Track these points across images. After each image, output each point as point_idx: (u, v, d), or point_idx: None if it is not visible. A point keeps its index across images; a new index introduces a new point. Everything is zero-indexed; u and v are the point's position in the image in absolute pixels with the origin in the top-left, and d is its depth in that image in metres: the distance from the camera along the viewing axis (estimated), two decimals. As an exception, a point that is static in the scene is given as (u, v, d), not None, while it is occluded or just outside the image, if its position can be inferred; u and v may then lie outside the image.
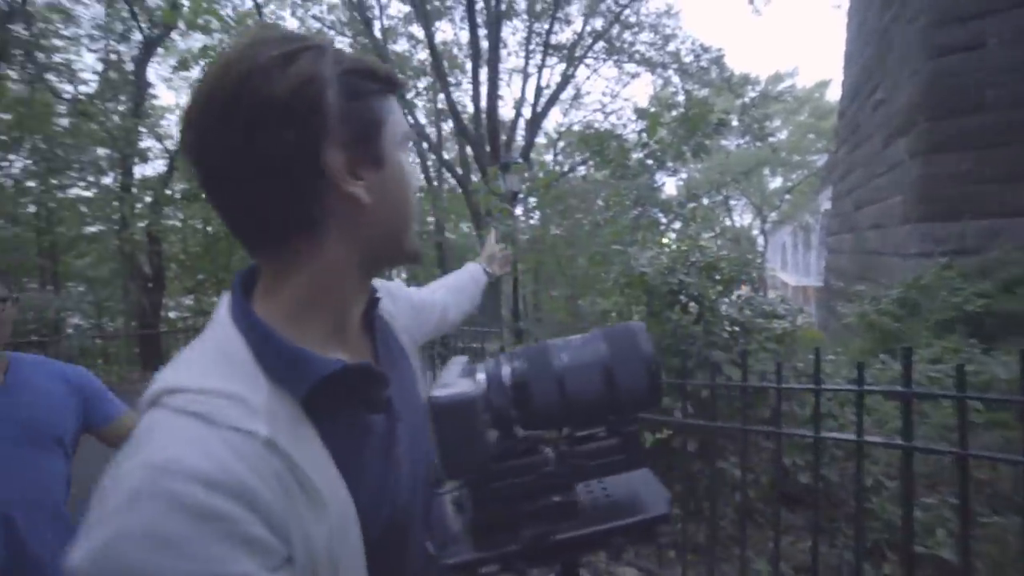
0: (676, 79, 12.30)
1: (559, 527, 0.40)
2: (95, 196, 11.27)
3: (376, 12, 11.63)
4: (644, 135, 3.98)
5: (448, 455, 0.38)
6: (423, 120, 14.61)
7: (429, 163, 14.71)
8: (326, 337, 0.51)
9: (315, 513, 0.42)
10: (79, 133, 10.71)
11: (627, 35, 12.05)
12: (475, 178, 11.73)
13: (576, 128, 13.82)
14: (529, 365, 0.41)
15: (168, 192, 11.26)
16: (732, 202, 22.62)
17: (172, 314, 13.80)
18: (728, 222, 22.00)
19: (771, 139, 13.20)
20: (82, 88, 10.64)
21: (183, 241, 12.14)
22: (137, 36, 10.36)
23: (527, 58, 11.98)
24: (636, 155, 4.56)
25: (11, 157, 11.39)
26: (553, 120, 16.38)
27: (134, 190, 11.20)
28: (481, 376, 0.42)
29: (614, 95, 13.79)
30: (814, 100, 23.51)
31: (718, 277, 2.95)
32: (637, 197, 4.29)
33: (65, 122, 11.66)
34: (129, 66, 10.65)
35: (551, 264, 5.81)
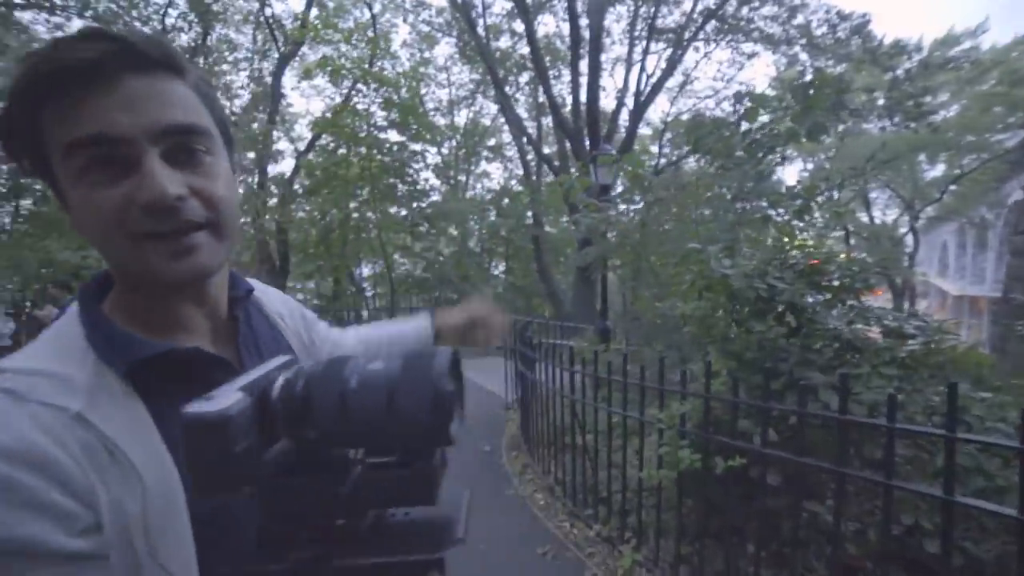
0: (804, 56, 10.86)
1: (334, 552, 0.39)
2: (242, 193, 13.10)
3: (480, 11, 11.86)
4: (745, 121, 3.49)
5: (193, 473, 0.36)
6: (524, 114, 14.69)
7: (529, 157, 14.78)
8: (164, 329, 0.54)
9: (128, 483, 0.44)
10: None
11: (744, 10, 10.87)
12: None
13: (684, 117, 12.92)
14: (321, 375, 0.39)
15: (295, 188, 12.69)
16: (873, 195, 19.28)
17: (299, 296, 15.61)
18: (865, 218, 18.97)
19: (932, 118, 10.77)
20: (236, 102, 12.43)
21: (304, 231, 13.54)
22: (274, 53, 11.77)
23: (631, 45, 11.41)
24: (745, 142, 4.04)
25: None
26: (660, 109, 15.49)
27: (272, 187, 12.81)
28: (280, 382, 0.39)
29: (728, 79, 12.64)
30: (1009, 63, 17.54)
31: (831, 282, 2.47)
32: (739, 189, 3.79)
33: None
34: (268, 79, 12.13)
35: (641, 261, 5.45)
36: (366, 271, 16.06)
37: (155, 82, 0.47)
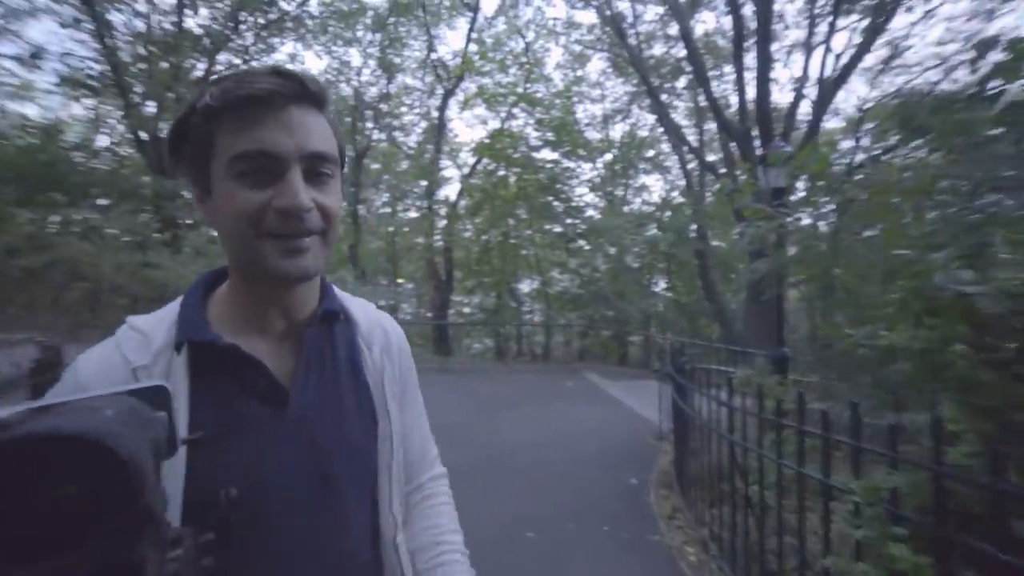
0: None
1: None
2: (414, 217, 14.78)
3: (631, 21, 11.39)
4: (999, 81, 2.45)
5: None
6: (684, 121, 13.63)
7: (691, 166, 13.62)
8: (244, 322, 0.63)
9: None
10: (408, 173, 14.40)
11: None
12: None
13: (892, 101, 10.45)
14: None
15: (459, 209, 13.81)
16: None
17: (466, 309, 16.81)
18: None
19: None
20: (412, 138, 14.22)
21: (467, 249, 14.55)
22: (439, 90, 13.12)
23: (811, 26, 9.67)
24: (996, 112, 2.87)
25: (372, 195, 16.26)
26: (854, 95, 12.87)
27: (439, 210, 14.16)
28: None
29: (968, 37, 9.75)
30: None
31: None
32: (979, 180, 2.71)
33: (404, 164, 15.70)
34: (435, 114, 13.54)
35: (832, 277, 4.39)
36: (524, 287, 16.60)
37: (309, 113, 0.57)
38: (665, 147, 15.41)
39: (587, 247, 13.87)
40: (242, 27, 10.03)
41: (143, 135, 9.76)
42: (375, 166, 15.57)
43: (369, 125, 13.95)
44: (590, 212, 14.25)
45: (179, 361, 0.57)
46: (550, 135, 12.26)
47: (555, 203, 13.40)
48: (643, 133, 15.92)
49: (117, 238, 9.07)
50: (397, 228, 16.02)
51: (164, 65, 8.98)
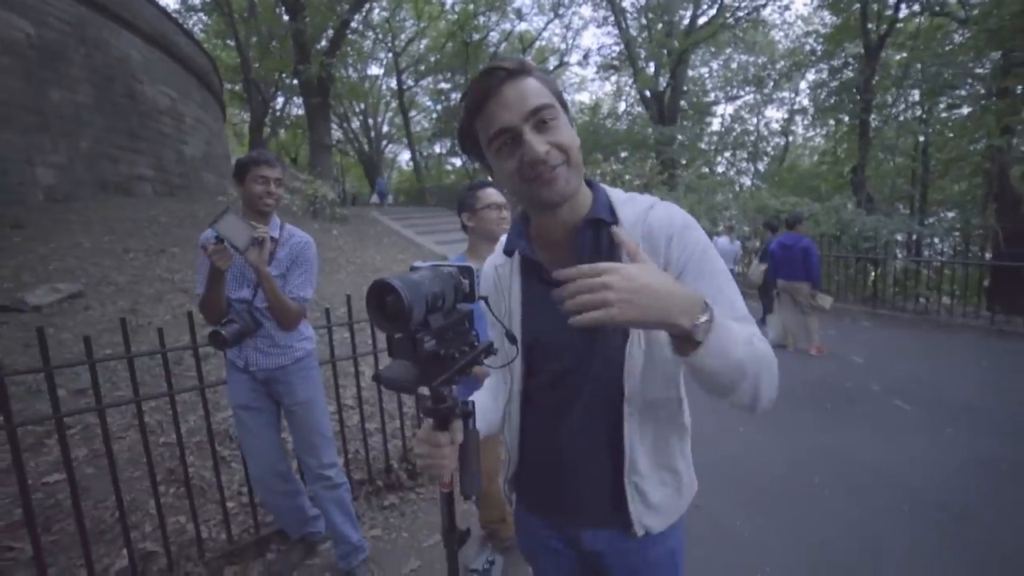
0: None
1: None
2: (971, 113, 9.54)
3: None
4: None
5: None
6: None
7: None
8: (539, 237, 0.89)
9: (503, 298, 0.92)
10: (961, 48, 9.20)
11: None
12: None
13: None
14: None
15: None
16: None
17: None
18: None
19: None
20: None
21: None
22: None
23: None
24: None
25: (889, 99, 11.55)
26: None
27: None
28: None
29: None
30: None
31: None
32: None
33: (956, 38, 10.41)
34: None
35: None
36: None
37: (518, 83, 0.76)
38: None
39: None
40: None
41: (647, 93, 10.97)
42: (899, 56, 11.07)
43: (891, 2, 9.86)
44: None
45: (514, 262, 0.90)
46: None
47: None
48: None
49: (631, 182, 10.82)
50: (935, 134, 11.15)
51: (658, 26, 9.54)
